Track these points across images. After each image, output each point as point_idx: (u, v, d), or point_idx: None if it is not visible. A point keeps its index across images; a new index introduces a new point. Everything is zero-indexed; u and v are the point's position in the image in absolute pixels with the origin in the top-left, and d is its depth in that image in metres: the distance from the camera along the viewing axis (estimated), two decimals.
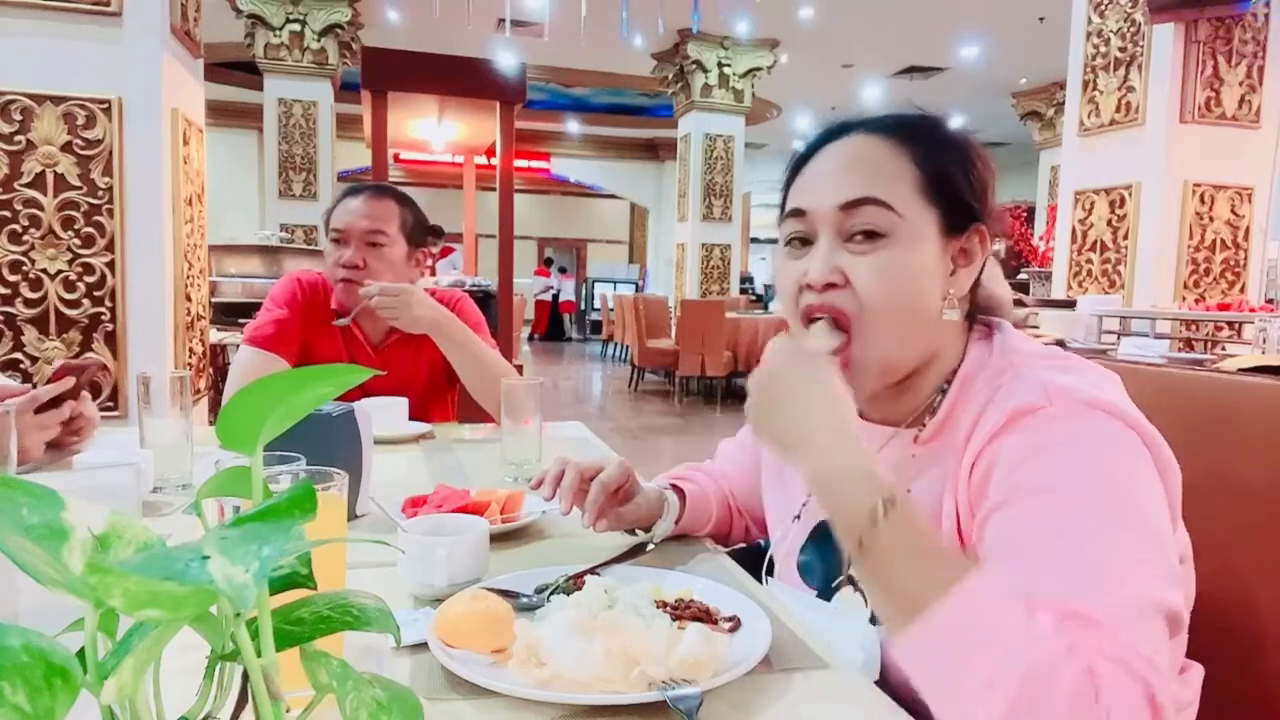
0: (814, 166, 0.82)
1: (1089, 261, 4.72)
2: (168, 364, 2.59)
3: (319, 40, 7.39)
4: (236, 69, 9.65)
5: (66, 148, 2.45)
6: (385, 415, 1.64)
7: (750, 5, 7.88)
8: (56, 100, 2.43)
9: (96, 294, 2.51)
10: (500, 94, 4.92)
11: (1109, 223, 4.59)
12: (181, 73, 2.74)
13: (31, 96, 2.42)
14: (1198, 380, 0.98)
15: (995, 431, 0.70)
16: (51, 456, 1.33)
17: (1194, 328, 4.09)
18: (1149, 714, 0.52)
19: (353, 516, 1.10)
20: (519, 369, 3.22)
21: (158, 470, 1.21)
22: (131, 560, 0.29)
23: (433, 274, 7.56)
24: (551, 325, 16.01)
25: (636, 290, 14.67)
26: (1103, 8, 4.57)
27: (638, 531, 1.03)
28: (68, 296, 2.50)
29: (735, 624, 0.76)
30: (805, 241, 0.81)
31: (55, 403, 1.29)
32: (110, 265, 2.51)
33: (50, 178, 2.45)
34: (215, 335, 3.65)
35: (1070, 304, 4.42)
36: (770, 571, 0.95)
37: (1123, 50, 4.47)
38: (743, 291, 11.83)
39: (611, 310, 11.57)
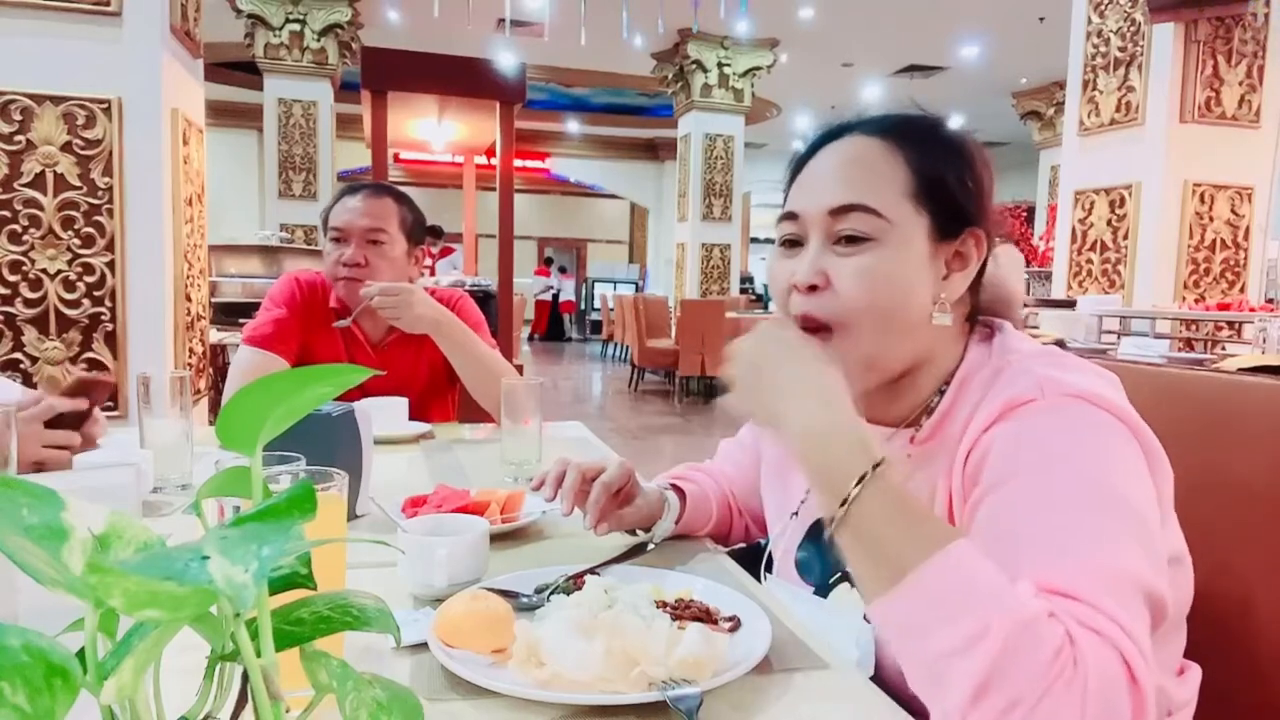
0: (810, 168, 0.83)
1: (1089, 261, 4.73)
2: (168, 364, 2.59)
3: (319, 40, 7.39)
4: (236, 69, 9.65)
5: (66, 148, 2.45)
6: (385, 415, 1.64)
7: (750, 5, 7.88)
8: (56, 100, 2.43)
9: (96, 294, 2.51)
10: (500, 94, 4.92)
11: (1109, 223, 4.59)
12: (181, 73, 2.74)
13: (31, 96, 2.42)
14: (1198, 380, 0.98)
15: (988, 423, 0.72)
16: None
17: (1194, 328, 4.09)
18: (1127, 685, 0.53)
19: (353, 516, 1.10)
20: (519, 369, 3.23)
21: (158, 470, 1.21)
22: (131, 560, 0.29)
23: (432, 274, 7.56)
24: (551, 325, 16.01)
25: (636, 290, 14.67)
26: (1103, 7, 4.57)
27: (638, 532, 1.03)
28: (68, 296, 2.50)
29: (735, 624, 0.76)
30: (796, 243, 0.82)
31: (66, 419, 1.29)
32: (110, 265, 2.51)
33: (50, 178, 2.45)
34: (215, 335, 3.65)
35: (1070, 304, 4.42)
36: (769, 568, 0.95)
37: (1123, 50, 4.47)
38: (743, 291, 11.83)
39: (611, 310, 11.57)
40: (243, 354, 1.78)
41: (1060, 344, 3.55)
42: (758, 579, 0.95)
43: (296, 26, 7.35)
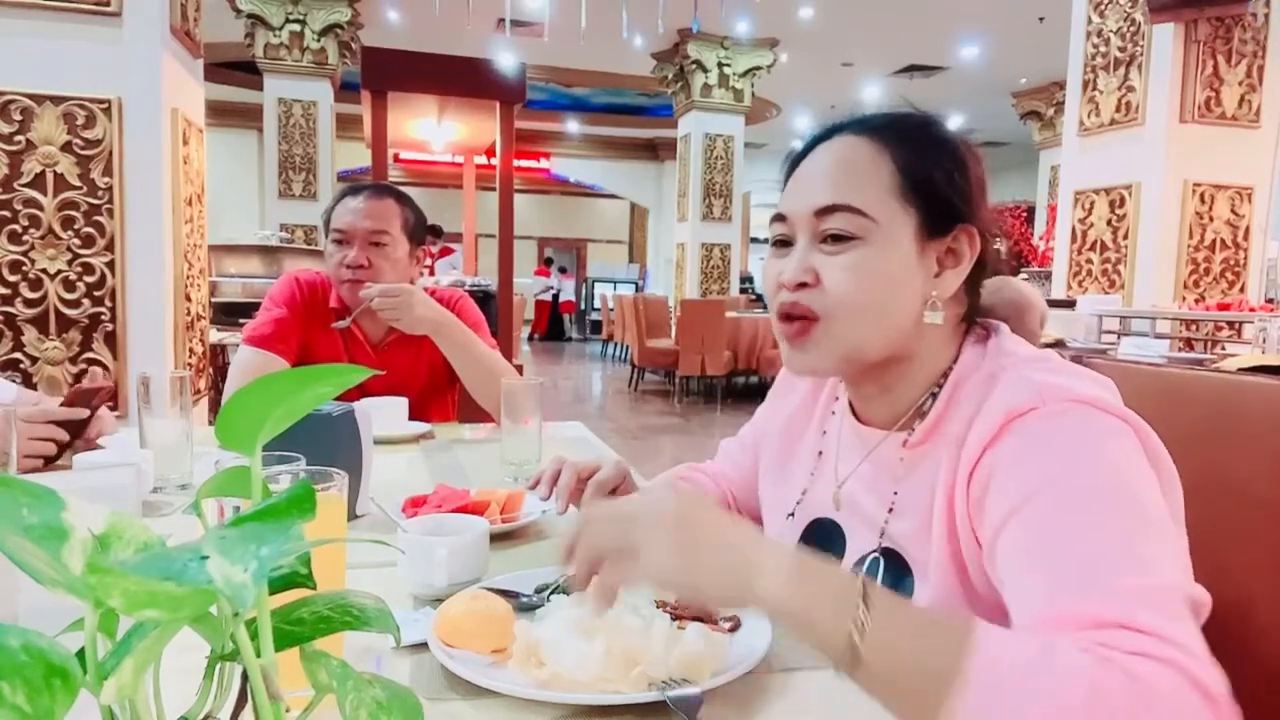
0: (801, 169, 0.84)
1: (1089, 261, 4.73)
2: (168, 364, 2.60)
3: (319, 40, 7.39)
4: (236, 69, 9.65)
5: (66, 148, 2.45)
6: (385, 415, 1.64)
7: (750, 5, 7.88)
8: (56, 100, 2.43)
9: (96, 294, 2.52)
10: (500, 94, 4.92)
11: (1109, 222, 4.59)
12: (181, 73, 2.74)
13: (31, 96, 2.42)
14: (1198, 380, 0.98)
15: (991, 438, 0.70)
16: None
17: (1194, 328, 4.10)
18: (1200, 702, 0.51)
19: (353, 516, 1.10)
20: (519, 369, 3.23)
21: (158, 470, 1.21)
22: (131, 560, 0.29)
23: (431, 274, 7.56)
24: (551, 325, 16.01)
25: (636, 290, 14.67)
26: (1103, 8, 4.57)
27: None
28: (68, 296, 2.50)
29: (735, 624, 0.76)
30: (787, 243, 0.83)
31: (66, 428, 1.29)
32: (110, 265, 2.51)
33: (50, 178, 2.45)
34: (215, 335, 3.65)
35: (1070, 304, 4.42)
36: None
37: (1123, 50, 4.47)
38: (742, 291, 11.84)
39: (611, 310, 11.57)
40: (243, 354, 1.78)
41: (1060, 344, 3.56)
42: None
43: (296, 26, 7.35)
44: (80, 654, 0.27)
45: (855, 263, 0.77)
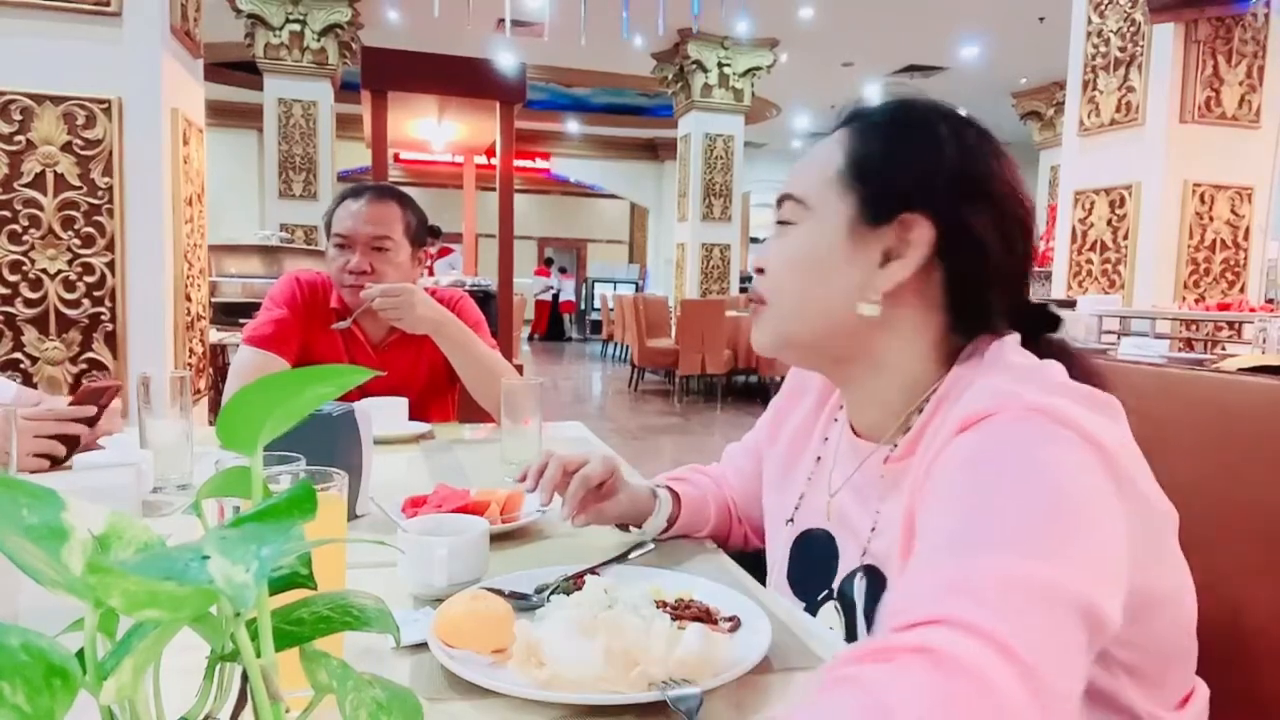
0: None
1: (1089, 261, 4.73)
2: (168, 364, 2.60)
3: (319, 40, 7.39)
4: (236, 69, 9.65)
5: (66, 148, 2.45)
6: (385, 415, 1.64)
7: (750, 5, 7.88)
8: (56, 100, 2.43)
9: (96, 294, 2.52)
10: (500, 94, 4.92)
11: (1109, 223, 4.59)
12: (181, 73, 2.74)
13: (31, 96, 2.42)
14: (1198, 380, 0.98)
15: (945, 441, 0.66)
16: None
17: (1194, 328, 4.10)
18: (1010, 676, 0.46)
19: (353, 516, 1.10)
20: (519, 369, 3.23)
21: (158, 470, 1.21)
22: (131, 560, 0.29)
23: (431, 274, 7.55)
24: (551, 325, 16.01)
25: (636, 290, 14.67)
26: (1103, 8, 4.57)
27: (631, 529, 1.03)
28: (68, 296, 2.50)
29: (735, 624, 0.76)
30: None
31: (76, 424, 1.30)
32: (110, 265, 2.51)
33: (50, 178, 2.45)
34: (215, 335, 3.65)
35: (1070, 304, 4.42)
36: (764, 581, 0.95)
37: (1123, 50, 4.47)
38: (742, 291, 11.83)
39: (611, 310, 11.57)
40: (243, 354, 1.78)
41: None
42: (760, 581, 0.94)
43: (296, 26, 7.35)
44: (80, 654, 0.27)
45: (784, 247, 0.80)
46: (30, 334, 2.48)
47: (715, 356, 7.57)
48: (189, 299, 2.80)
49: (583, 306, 16.59)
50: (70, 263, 2.49)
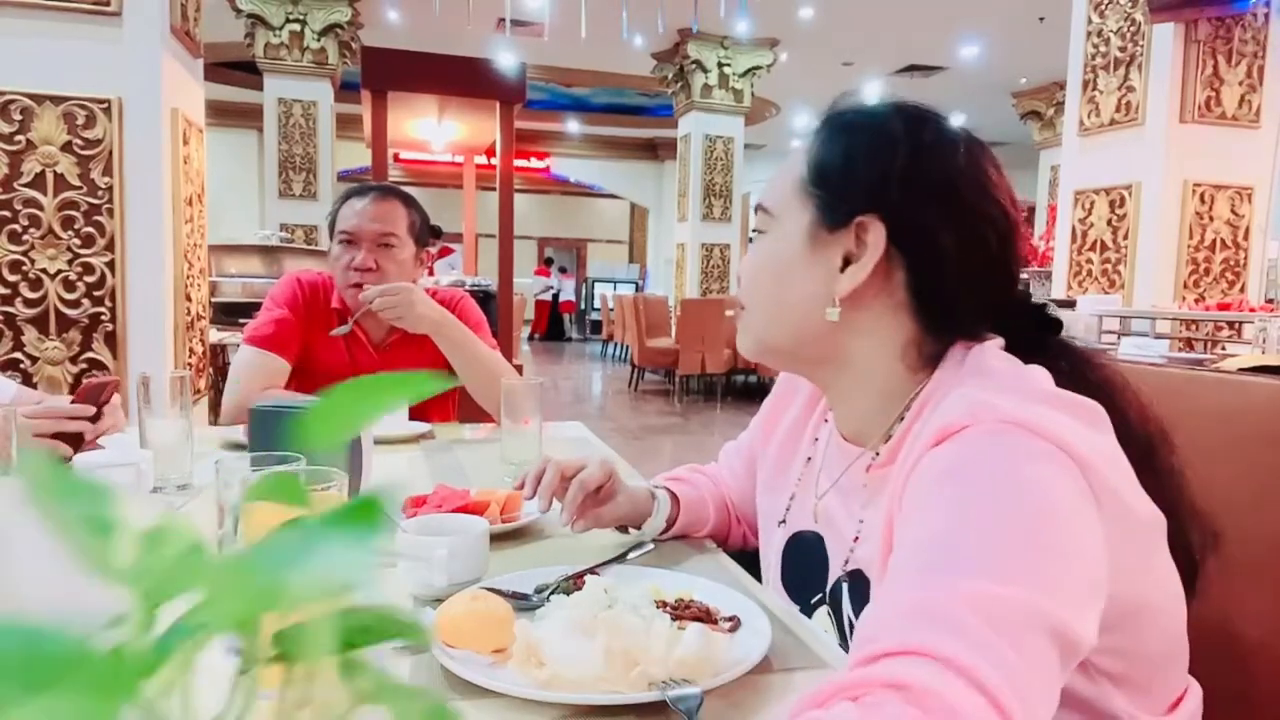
0: None
1: (1089, 261, 4.72)
2: (168, 364, 2.60)
3: (319, 40, 7.39)
4: (236, 69, 9.65)
5: (66, 148, 2.45)
6: (385, 415, 1.64)
7: (750, 5, 7.89)
8: (56, 100, 2.43)
9: (96, 294, 2.52)
10: (500, 94, 4.92)
11: (1109, 222, 4.59)
12: (181, 73, 2.74)
13: (31, 96, 2.42)
14: (1198, 380, 0.98)
15: (918, 456, 0.65)
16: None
17: (1194, 328, 4.09)
18: (982, 706, 0.46)
19: None
20: (519, 369, 3.23)
21: (158, 470, 1.21)
22: (233, 553, 0.29)
23: (431, 274, 7.54)
24: (551, 325, 16.01)
25: (636, 290, 14.67)
26: (1103, 7, 4.57)
27: (630, 530, 1.03)
28: (68, 296, 2.50)
29: (735, 624, 0.76)
30: None
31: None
32: (110, 265, 2.51)
33: (50, 178, 2.45)
34: (215, 335, 3.65)
35: (1070, 304, 4.42)
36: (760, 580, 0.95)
37: (1123, 50, 4.47)
38: None
39: (611, 310, 11.57)
40: (244, 354, 1.78)
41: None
42: (760, 581, 0.94)
43: (296, 26, 7.35)
44: (116, 653, 0.27)
45: (754, 256, 0.83)
46: (30, 334, 2.48)
47: (715, 356, 7.57)
48: (189, 299, 2.80)
49: (583, 306, 16.59)
50: (70, 263, 2.49)
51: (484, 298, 4.65)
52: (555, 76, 10.82)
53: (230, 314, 4.14)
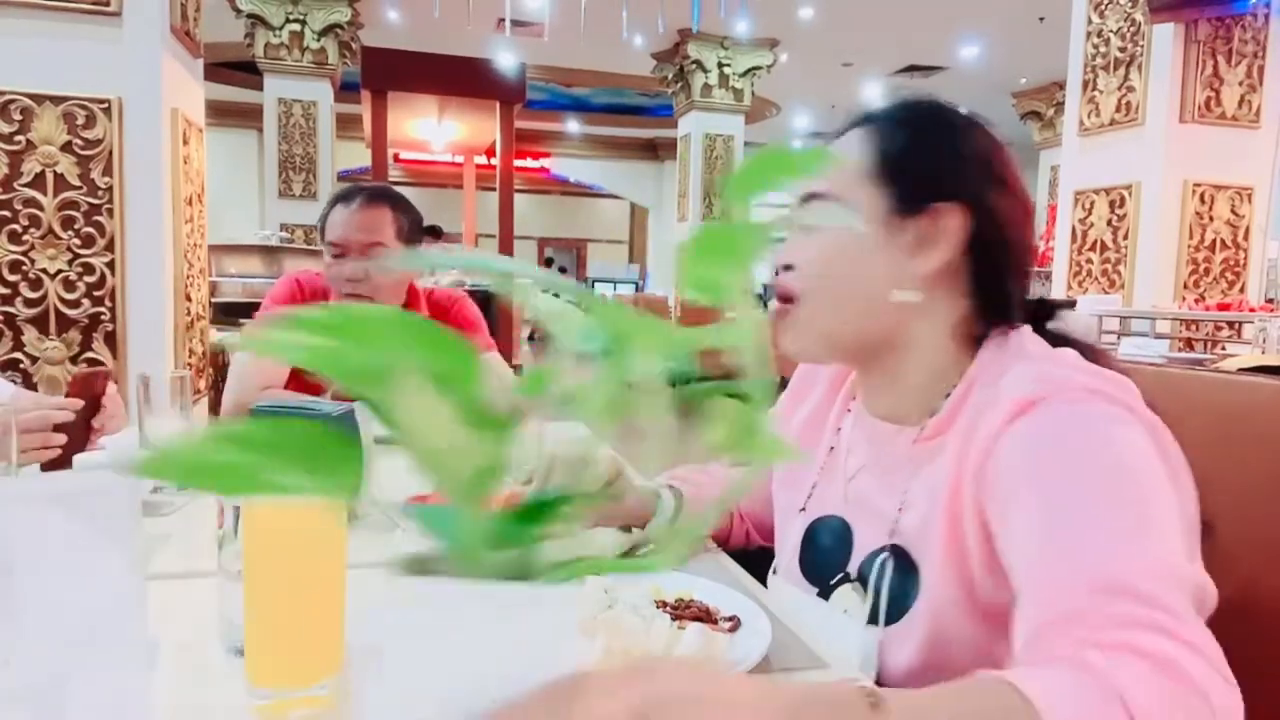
0: None
1: (1089, 261, 4.72)
2: (168, 364, 2.60)
3: (319, 40, 7.39)
4: (236, 69, 9.64)
5: (66, 148, 2.45)
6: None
7: (750, 5, 7.89)
8: (56, 100, 2.43)
9: (96, 294, 2.52)
10: (500, 94, 4.93)
11: (1109, 223, 4.59)
12: (181, 73, 2.74)
13: (31, 96, 2.42)
14: (1198, 380, 0.98)
15: (999, 427, 0.69)
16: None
17: (1194, 328, 4.10)
18: (1220, 680, 0.50)
19: (353, 517, 1.10)
20: (518, 369, 3.22)
21: None
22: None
23: (431, 274, 7.51)
24: None
25: (636, 290, 14.67)
26: (1103, 8, 4.57)
27: (633, 530, 1.03)
28: (68, 296, 2.50)
29: (735, 624, 0.76)
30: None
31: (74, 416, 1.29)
32: (110, 265, 2.51)
33: (50, 178, 2.45)
34: (215, 335, 3.65)
35: (1070, 304, 4.42)
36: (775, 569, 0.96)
37: (1123, 50, 4.47)
38: None
39: None
40: (243, 354, 1.78)
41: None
42: (760, 581, 0.94)
43: (296, 26, 7.35)
44: None
45: (819, 241, 0.81)
46: (30, 334, 2.48)
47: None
48: (189, 299, 2.80)
49: None
50: (70, 263, 2.49)
51: (484, 298, 4.65)
52: (555, 76, 10.82)
53: (230, 314, 4.14)
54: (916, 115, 0.83)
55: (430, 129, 5.91)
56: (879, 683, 0.75)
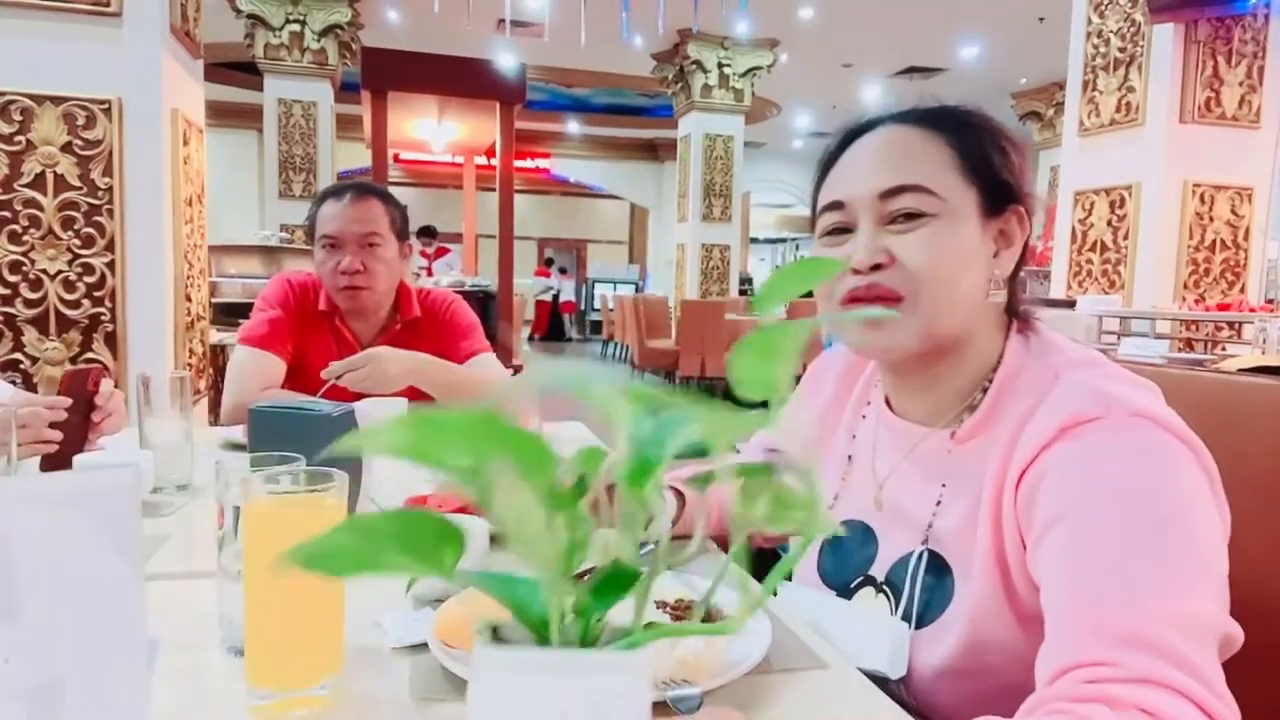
0: (846, 160, 0.83)
1: (1089, 261, 4.72)
2: (168, 364, 2.60)
3: (319, 40, 7.39)
4: (236, 69, 9.65)
5: (66, 148, 2.45)
6: (385, 415, 1.63)
7: (750, 5, 7.89)
8: (56, 100, 2.43)
9: (96, 294, 2.52)
10: (500, 94, 4.92)
11: (1109, 223, 4.59)
12: (181, 73, 2.74)
13: (31, 96, 2.42)
14: (1198, 380, 0.98)
15: (1047, 441, 0.69)
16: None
17: (1194, 328, 4.10)
18: None
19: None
20: (518, 369, 3.22)
21: (157, 470, 1.21)
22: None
23: (430, 274, 7.54)
24: (552, 325, 16.00)
25: (636, 290, 14.67)
26: (1103, 8, 4.57)
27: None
28: (68, 297, 2.50)
29: None
30: (843, 230, 0.81)
31: (71, 410, 1.28)
32: (110, 265, 2.51)
33: (50, 178, 2.45)
34: (215, 335, 3.65)
35: (1070, 304, 4.42)
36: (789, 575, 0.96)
37: (1123, 50, 4.47)
38: (742, 293, 11.83)
39: (611, 310, 11.57)
40: (239, 354, 1.78)
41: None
42: (761, 581, 0.94)
43: (296, 27, 7.35)
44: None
45: (929, 238, 0.76)
46: (30, 334, 2.48)
47: (715, 358, 7.57)
48: (189, 299, 2.80)
49: (583, 307, 16.59)
50: (70, 263, 2.49)
51: (484, 298, 4.65)
52: (555, 77, 10.82)
53: (230, 314, 4.14)
54: (979, 118, 0.83)
55: (430, 129, 5.91)
56: (908, 681, 0.75)
